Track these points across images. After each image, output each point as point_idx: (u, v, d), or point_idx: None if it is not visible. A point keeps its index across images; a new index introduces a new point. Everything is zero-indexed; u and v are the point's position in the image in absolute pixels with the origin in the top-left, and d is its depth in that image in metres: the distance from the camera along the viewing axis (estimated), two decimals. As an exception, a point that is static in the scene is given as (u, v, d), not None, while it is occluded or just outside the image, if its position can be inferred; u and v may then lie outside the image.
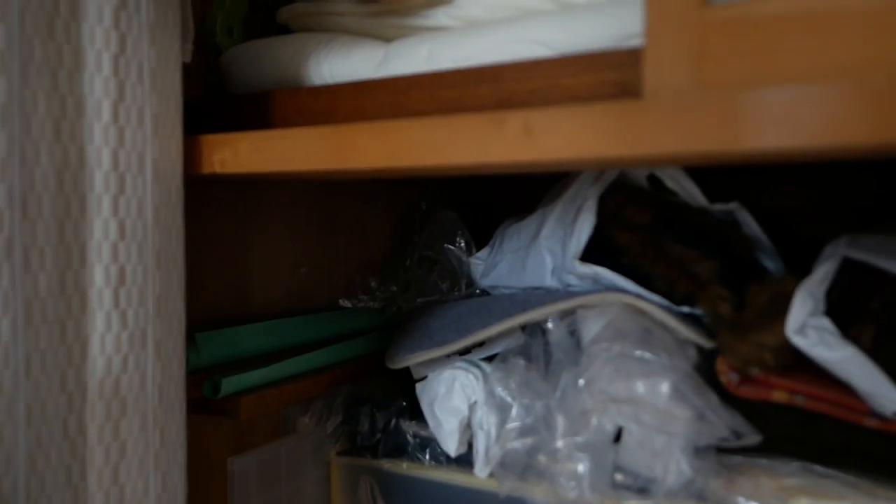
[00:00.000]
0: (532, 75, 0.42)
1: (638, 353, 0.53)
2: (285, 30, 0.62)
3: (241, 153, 0.43)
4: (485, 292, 0.75)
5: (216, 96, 0.60)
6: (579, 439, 0.50)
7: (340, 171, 0.40)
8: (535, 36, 0.47)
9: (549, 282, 0.66)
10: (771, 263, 0.63)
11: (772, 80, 0.33)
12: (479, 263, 0.75)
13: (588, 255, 0.62)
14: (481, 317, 0.64)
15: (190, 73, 0.50)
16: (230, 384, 0.56)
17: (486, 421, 0.58)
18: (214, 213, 0.62)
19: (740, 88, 0.33)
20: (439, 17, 0.54)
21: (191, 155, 0.45)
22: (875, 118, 0.29)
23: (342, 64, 0.54)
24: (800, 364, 0.53)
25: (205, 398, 0.57)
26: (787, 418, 0.56)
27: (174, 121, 0.45)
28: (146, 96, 0.42)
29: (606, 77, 0.40)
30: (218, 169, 0.44)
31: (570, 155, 0.34)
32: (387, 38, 0.57)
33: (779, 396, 0.56)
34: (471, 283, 0.75)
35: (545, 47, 0.47)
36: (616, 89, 0.39)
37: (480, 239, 0.78)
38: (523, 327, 0.63)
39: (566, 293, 0.62)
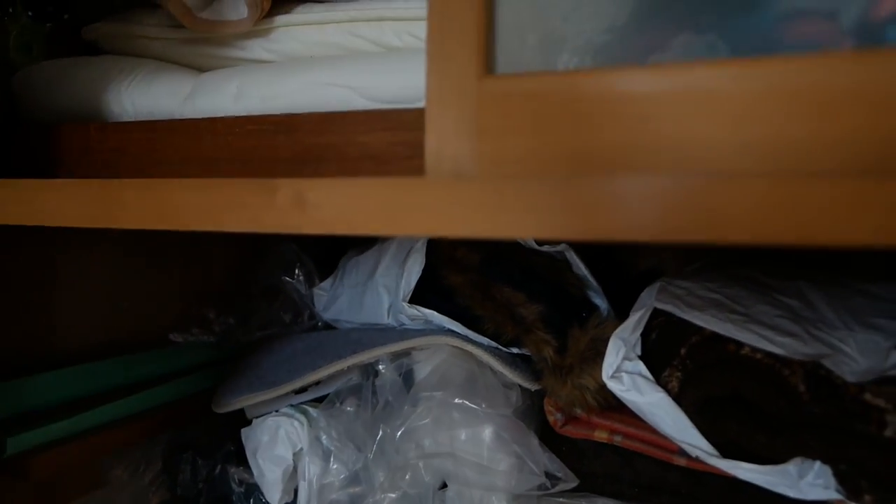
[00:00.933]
0: (328, 129, 0.39)
1: (458, 401, 0.52)
2: (95, 49, 0.57)
3: (-2, 204, 0.38)
4: (329, 325, 0.73)
5: (5, 125, 0.53)
6: (393, 495, 0.49)
7: (108, 229, 0.36)
8: (347, 80, 0.45)
9: (387, 319, 0.64)
10: (600, 302, 0.64)
11: (551, 162, 0.32)
12: (322, 294, 0.72)
13: (425, 295, 0.61)
14: (313, 357, 0.61)
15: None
16: (17, 443, 0.51)
17: (308, 470, 0.56)
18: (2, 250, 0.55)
19: (518, 170, 0.32)
20: (255, 49, 0.51)
21: (-57, 202, 0.40)
22: (625, 217, 0.29)
23: (145, 96, 0.49)
24: (622, 403, 0.54)
25: (-10, 459, 0.51)
26: (607, 456, 0.58)
27: (-81, 163, 0.39)
28: None
29: (401, 137, 0.38)
30: (-26, 219, 0.39)
31: (345, 230, 0.32)
32: (200, 68, 0.53)
33: (599, 436, 0.58)
34: (313, 315, 0.72)
35: (356, 94, 0.44)
36: (410, 150, 0.38)
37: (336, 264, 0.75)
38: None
39: (399, 333, 0.61)
